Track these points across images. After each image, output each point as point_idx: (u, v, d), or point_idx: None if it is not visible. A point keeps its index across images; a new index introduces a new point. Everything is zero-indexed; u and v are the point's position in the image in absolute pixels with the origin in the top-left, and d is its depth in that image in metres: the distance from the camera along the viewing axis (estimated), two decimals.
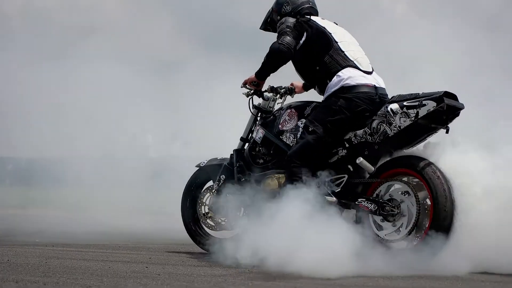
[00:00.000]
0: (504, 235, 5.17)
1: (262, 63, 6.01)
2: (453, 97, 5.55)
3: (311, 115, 5.91)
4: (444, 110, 5.44)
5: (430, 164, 5.48)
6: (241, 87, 6.31)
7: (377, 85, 5.81)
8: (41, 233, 9.08)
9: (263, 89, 6.33)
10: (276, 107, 6.40)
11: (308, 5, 6.14)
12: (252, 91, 6.33)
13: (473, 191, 5.33)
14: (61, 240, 7.97)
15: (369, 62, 5.95)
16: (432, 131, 5.66)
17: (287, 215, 5.34)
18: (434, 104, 5.44)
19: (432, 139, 5.74)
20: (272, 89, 6.40)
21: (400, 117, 5.56)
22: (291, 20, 5.96)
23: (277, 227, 5.32)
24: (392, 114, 5.59)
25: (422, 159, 5.55)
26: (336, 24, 6.11)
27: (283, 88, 6.40)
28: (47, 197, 16.51)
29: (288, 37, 5.86)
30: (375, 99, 5.73)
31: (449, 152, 5.50)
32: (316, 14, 6.14)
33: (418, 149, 5.73)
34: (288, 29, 5.89)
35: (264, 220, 5.49)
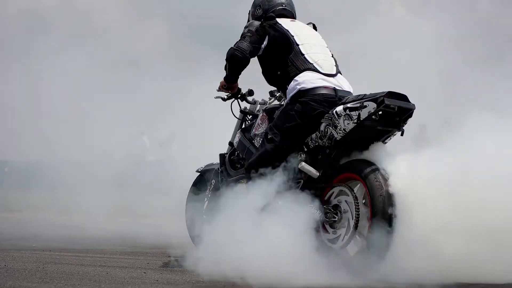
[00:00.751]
0: (445, 245, 4.94)
1: (225, 67, 5.95)
2: (402, 97, 5.32)
3: (272, 122, 5.80)
4: (395, 111, 5.26)
5: (375, 169, 5.25)
6: (217, 91, 6.23)
7: (337, 88, 5.62)
8: (35, 237, 9.04)
9: (244, 92, 6.29)
10: None
11: (281, 7, 6.04)
12: (228, 95, 6.28)
13: (415, 196, 5.08)
14: (57, 244, 7.93)
15: (335, 64, 5.78)
16: (386, 133, 5.45)
17: (239, 220, 5.24)
18: (375, 105, 5.25)
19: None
20: (270, 93, 6.38)
21: (344, 120, 5.37)
22: (255, 24, 5.87)
23: (228, 235, 5.21)
24: (336, 117, 5.40)
25: (369, 164, 5.31)
26: (314, 25, 6.01)
27: (279, 92, 6.31)
28: (38, 201, 16.49)
29: (244, 42, 5.76)
30: (334, 101, 5.52)
31: (397, 156, 5.29)
32: (291, 16, 6.04)
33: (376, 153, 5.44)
34: (249, 33, 5.80)
35: (218, 227, 5.40)
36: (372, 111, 5.25)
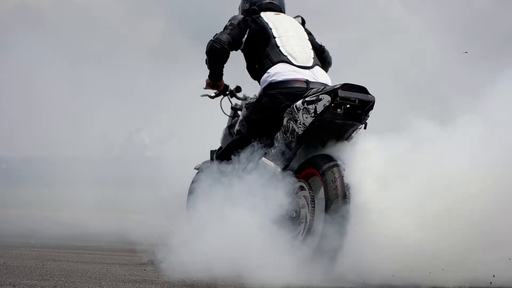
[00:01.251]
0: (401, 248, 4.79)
1: (206, 62, 5.90)
2: (361, 89, 5.20)
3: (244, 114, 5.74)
4: (355, 104, 5.13)
5: (332, 164, 5.11)
6: (204, 89, 6.20)
7: (311, 80, 5.53)
8: (33, 234, 9.03)
9: (231, 89, 6.25)
10: None
11: (268, 1, 5.99)
12: (216, 93, 6.25)
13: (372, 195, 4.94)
14: (55, 241, 7.92)
15: (312, 56, 5.70)
16: (348, 127, 5.29)
17: (202, 216, 5.17)
18: (329, 98, 5.13)
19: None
20: None
21: (302, 114, 5.26)
22: (238, 17, 5.84)
23: (199, 231, 5.11)
24: (296, 111, 5.31)
25: (328, 158, 5.18)
26: (303, 19, 5.95)
27: None
28: (32, 197, 16.47)
29: (224, 34, 5.71)
30: (303, 94, 5.42)
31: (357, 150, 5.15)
32: (279, 10, 5.99)
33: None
34: (230, 26, 5.77)
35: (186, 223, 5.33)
36: (327, 104, 5.13)
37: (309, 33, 5.97)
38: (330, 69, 6.19)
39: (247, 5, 6.01)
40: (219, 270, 4.84)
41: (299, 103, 5.29)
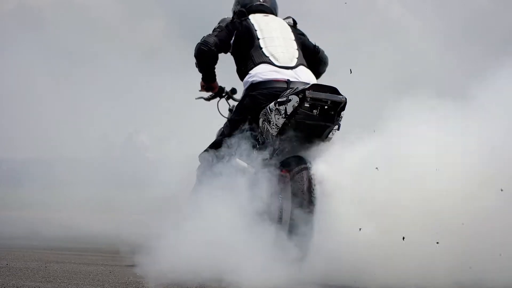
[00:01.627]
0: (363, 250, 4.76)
1: (195, 65, 5.89)
2: (331, 90, 5.19)
3: None
4: (328, 104, 5.14)
5: (302, 165, 5.12)
6: (199, 91, 6.17)
7: (292, 80, 5.50)
8: (35, 236, 9.02)
9: (227, 90, 6.24)
10: None
11: (259, 2, 5.96)
12: (212, 95, 6.22)
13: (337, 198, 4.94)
14: (56, 243, 7.91)
15: (297, 56, 5.67)
16: (322, 128, 5.28)
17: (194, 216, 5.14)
18: (297, 99, 5.16)
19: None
20: None
21: (275, 115, 5.27)
22: (227, 20, 5.84)
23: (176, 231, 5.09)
24: (269, 112, 5.31)
25: (299, 160, 5.18)
26: (294, 20, 5.92)
27: None
28: (31, 199, 16.46)
29: (211, 37, 5.70)
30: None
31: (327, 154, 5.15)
32: (269, 12, 5.96)
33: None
34: (218, 29, 5.77)
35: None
36: (296, 105, 5.16)
37: (301, 34, 5.95)
38: (327, 69, 6.16)
39: (239, 7, 5.99)
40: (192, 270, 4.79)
41: (272, 104, 5.31)
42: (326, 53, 6.13)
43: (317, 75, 6.01)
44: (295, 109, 5.18)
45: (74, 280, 4.78)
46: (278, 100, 5.27)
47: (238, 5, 6.02)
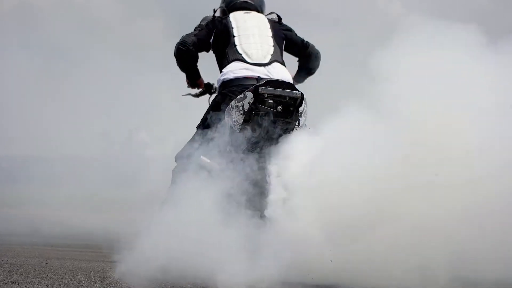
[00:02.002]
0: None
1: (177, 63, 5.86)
2: (287, 86, 5.20)
3: None
4: (285, 100, 5.14)
5: (260, 165, 5.10)
6: (187, 88, 6.12)
7: (263, 76, 5.45)
8: (34, 233, 9.01)
9: (216, 86, 6.22)
10: None
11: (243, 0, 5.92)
12: (200, 91, 6.20)
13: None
14: (56, 240, 7.92)
15: (271, 53, 5.62)
16: (285, 124, 5.26)
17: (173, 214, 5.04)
18: (252, 95, 5.17)
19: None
20: None
21: (235, 112, 5.27)
22: (208, 18, 5.81)
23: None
24: (231, 109, 5.31)
25: (259, 159, 5.14)
26: (279, 16, 5.86)
27: None
28: (31, 196, 16.45)
29: (190, 36, 5.67)
30: None
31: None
32: (254, 8, 5.91)
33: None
34: (199, 28, 5.74)
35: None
36: (251, 101, 5.19)
37: (287, 29, 5.89)
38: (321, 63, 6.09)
39: (224, 5, 5.96)
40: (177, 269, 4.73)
41: (233, 101, 5.31)
42: (317, 47, 6.04)
43: (309, 70, 6.00)
44: (250, 106, 5.19)
45: (75, 276, 4.79)
46: (238, 97, 5.27)
47: (223, 2, 5.98)
